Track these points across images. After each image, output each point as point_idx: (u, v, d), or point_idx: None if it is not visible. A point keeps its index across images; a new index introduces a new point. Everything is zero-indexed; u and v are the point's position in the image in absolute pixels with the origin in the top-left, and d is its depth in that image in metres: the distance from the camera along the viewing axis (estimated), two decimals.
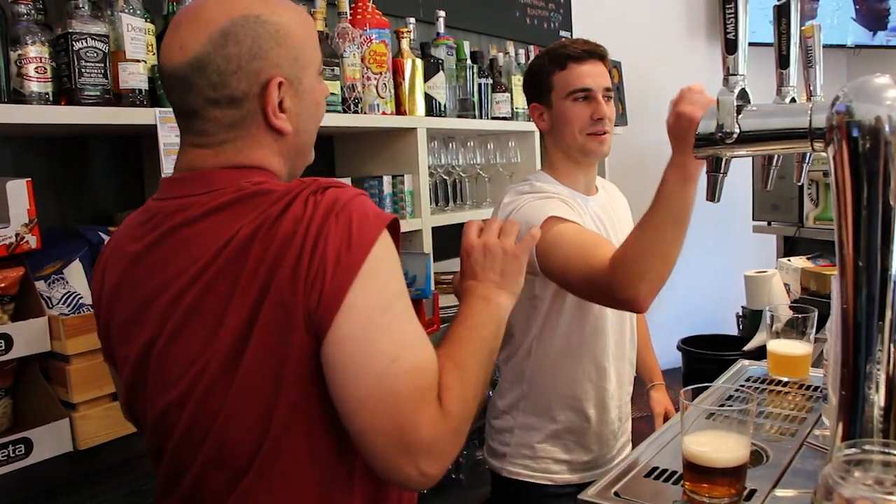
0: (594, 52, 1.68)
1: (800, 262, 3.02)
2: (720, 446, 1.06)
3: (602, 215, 1.73)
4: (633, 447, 1.78)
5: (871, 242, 0.88)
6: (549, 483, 1.70)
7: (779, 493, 1.11)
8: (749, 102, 1.05)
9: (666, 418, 1.92)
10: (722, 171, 1.08)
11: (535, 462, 1.70)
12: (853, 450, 0.81)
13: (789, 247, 3.43)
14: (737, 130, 1.02)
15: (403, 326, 0.92)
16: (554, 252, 1.49)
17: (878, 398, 0.90)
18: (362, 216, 0.91)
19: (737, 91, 1.03)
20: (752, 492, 1.10)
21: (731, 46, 1.03)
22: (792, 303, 2.79)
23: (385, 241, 0.92)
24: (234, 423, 0.92)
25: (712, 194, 1.11)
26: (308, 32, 1.03)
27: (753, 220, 3.57)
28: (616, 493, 1.15)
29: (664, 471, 1.20)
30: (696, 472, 1.07)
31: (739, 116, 1.02)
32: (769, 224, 3.52)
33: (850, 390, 0.92)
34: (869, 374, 0.90)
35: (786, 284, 2.87)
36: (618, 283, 1.35)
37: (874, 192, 0.87)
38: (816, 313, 1.54)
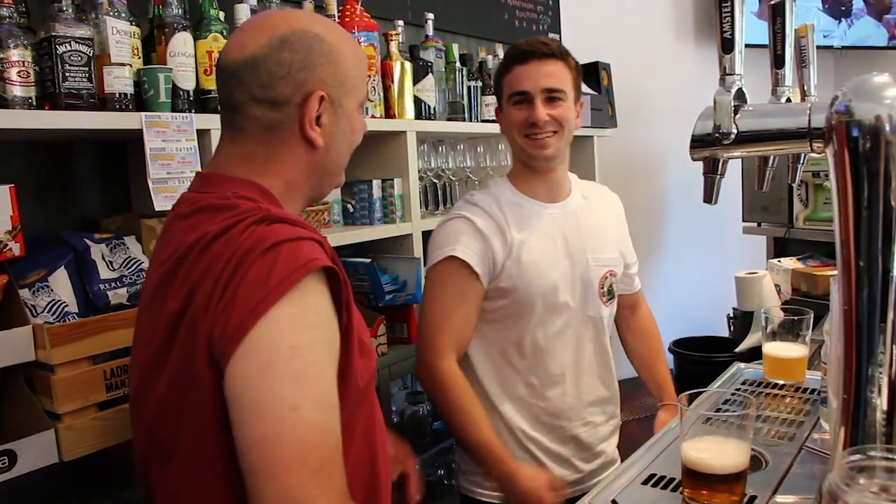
0: (537, 51, 1.59)
1: (790, 262, 3.03)
2: (720, 452, 1.04)
3: (565, 224, 1.66)
4: (622, 450, 1.75)
5: (872, 243, 0.86)
6: (499, 502, 1.65)
7: (779, 499, 1.10)
8: (746, 102, 1.03)
9: None
10: (719, 172, 1.06)
11: (486, 479, 1.64)
12: (857, 456, 0.79)
13: (779, 248, 3.44)
14: (734, 131, 1.00)
15: (311, 381, 0.88)
16: (426, 293, 1.65)
17: (881, 402, 0.88)
18: (290, 258, 0.90)
19: (733, 91, 1.01)
20: (753, 498, 1.08)
21: (727, 45, 1.02)
22: (783, 304, 2.79)
23: (308, 289, 0.90)
24: (160, 420, 0.96)
25: (709, 196, 1.09)
26: (359, 63, 1.09)
27: (743, 221, 3.58)
28: (614, 501, 1.13)
29: (662, 477, 1.18)
30: (695, 478, 1.05)
31: (737, 117, 1.01)
32: (759, 225, 3.53)
33: (852, 394, 0.90)
34: (871, 377, 0.88)
35: (776, 285, 2.87)
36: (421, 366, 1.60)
37: (875, 192, 0.85)
38: (812, 315, 1.53)
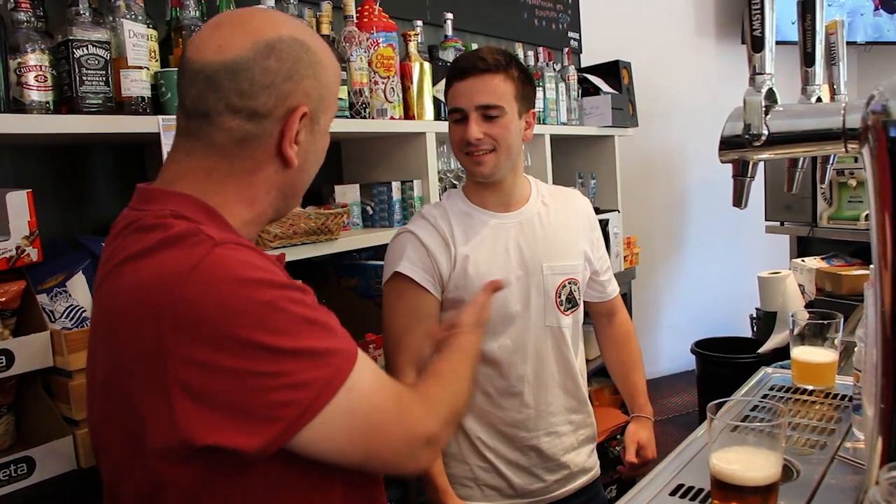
0: (473, 67, 1.55)
1: (814, 262, 2.98)
2: (751, 464, 1.01)
3: (519, 233, 1.63)
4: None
5: None
6: None
7: None
8: (777, 103, 1.00)
9: (639, 454, 1.71)
10: (749, 174, 1.03)
11: (478, 490, 1.64)
12: None
13: (803, 247, 3.39)
14: (765, 132, 0.97)
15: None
16: (383, 312, 1.64)
17: None
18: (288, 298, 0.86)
19: (764, 91, 0.98)
20: None
21: (757, 44, 0.99)
22: (807, 304, 2.75)
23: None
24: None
25: (738, 199, 1.06)
26: (338, 79, 1.03)
27: (766, 220, 3.53)
28: None
29: (690, 488, 1.15)
30: (725, 490, 1.02)
31: (767, 117, 0.98)
32: (782, 224, 3.49)
33: (891, 402, 0.87)
34: None
35: (800, 285, 2.83)
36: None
37: None
38: (841, 318, 1.49)
